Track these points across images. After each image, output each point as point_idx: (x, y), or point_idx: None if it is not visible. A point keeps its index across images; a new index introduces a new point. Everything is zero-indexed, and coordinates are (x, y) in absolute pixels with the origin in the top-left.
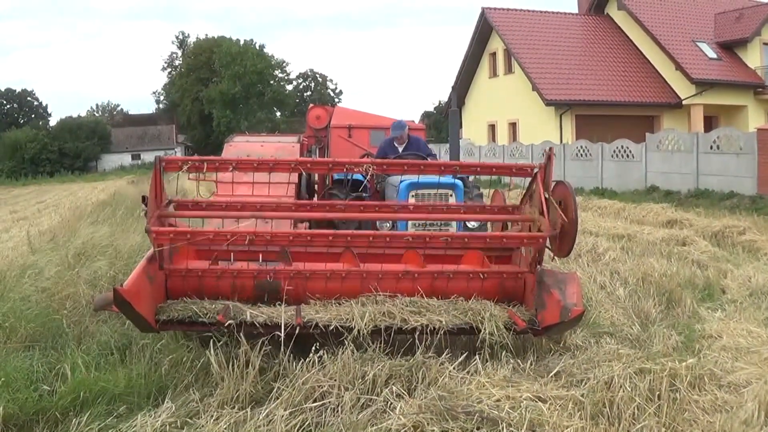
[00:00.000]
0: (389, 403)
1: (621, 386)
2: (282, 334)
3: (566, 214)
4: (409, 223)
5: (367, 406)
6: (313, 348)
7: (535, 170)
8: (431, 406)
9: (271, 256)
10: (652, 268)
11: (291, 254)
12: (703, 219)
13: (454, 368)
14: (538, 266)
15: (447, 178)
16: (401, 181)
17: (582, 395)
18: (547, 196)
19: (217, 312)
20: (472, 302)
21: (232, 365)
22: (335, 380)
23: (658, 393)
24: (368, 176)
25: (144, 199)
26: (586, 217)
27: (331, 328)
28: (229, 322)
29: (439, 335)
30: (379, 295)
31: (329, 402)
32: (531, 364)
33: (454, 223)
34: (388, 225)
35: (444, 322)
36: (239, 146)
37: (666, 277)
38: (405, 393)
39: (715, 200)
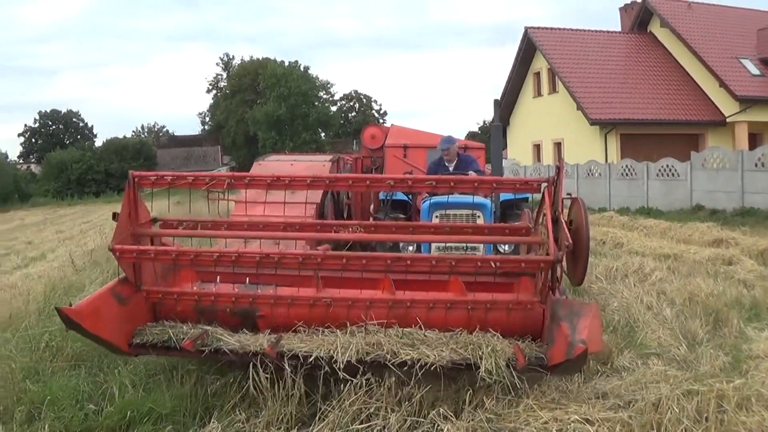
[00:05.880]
0: (436, 425)
1: (669, 408)
2: (262, 364)
3: (577, 236)
4: (433, 245)
5: (414, 428)
6: (360, 371)
7: (543, 185)
8: (478, 428)
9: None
10: (698, 288)
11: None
12: (749, 238)
13: (501, 390)
14: (554, 295)
15: (473, 198)
16: (423, 200)
17: (629, 417)
18: (555, 214)
19: (192, 337)
20: (475, 335)
21: (278, 387)
22: (382, 402)
23: (705, 415)
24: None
25: (114, 215)
26: (633, 237)
27: (310, 360)
28: (197, 349)
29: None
30: (372, 324)
31: (376, 424)
32: (578, 386)
33: (481, 246)
34: (412, 248)
35: (437, 357)
36: (268, 165)
37: (712, 296)
38: (452, 415)
39: (761, 218)
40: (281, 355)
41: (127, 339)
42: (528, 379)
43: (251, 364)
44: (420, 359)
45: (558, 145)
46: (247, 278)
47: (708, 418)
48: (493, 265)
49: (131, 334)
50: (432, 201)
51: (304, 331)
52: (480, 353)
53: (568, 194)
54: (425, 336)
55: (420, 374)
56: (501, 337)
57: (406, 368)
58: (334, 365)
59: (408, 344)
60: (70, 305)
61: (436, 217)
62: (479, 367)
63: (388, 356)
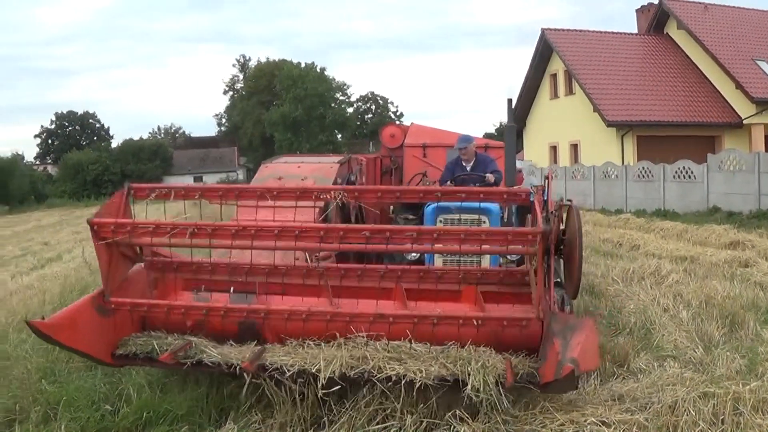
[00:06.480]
0: (452, 427)
1: (685, 410)
2: (247, 378)
3: (570, 247)
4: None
5: (430, 430)
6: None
7: (531, 196)
8: (494, 430)
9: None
10: (715, 291)
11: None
12: (766, 240)
13: (518, 392)
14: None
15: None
16: (427, 205)
17: (646, 419)
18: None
19: (174, 349)
20: (466, 350)
21: (290, 389)
22: (398, 404)
23: (722, 417)
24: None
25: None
26: (649, 239)
27: (289, 374)
28: (178, 361)
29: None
30: (360, 336)
31: (392, 425)
32: (594, 388)
33: (487, 255)
34: (414, 255)
35: (424, 373)
36: (275, 167)
37: (729, 299)
38: (468, 417)
39: None
40: (263, 369)
41: (111, 350)
42: None
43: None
44: (406, 375)
45: (575, 147)
46: (231, 288)
47: (724, 421)
48: (475, 323)
49: (116, 345)
50: (437, 204)
51: (291, 343)
52: (468, 369)
53: (568, 200)
54: (414, 350)
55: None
56: (494, 351)
57: (390, 384)
58: (317, 380)
59: (395, 358)
60: (43, 318)
61: (440, 221)
62: (467, 384)
63: (373, 371)
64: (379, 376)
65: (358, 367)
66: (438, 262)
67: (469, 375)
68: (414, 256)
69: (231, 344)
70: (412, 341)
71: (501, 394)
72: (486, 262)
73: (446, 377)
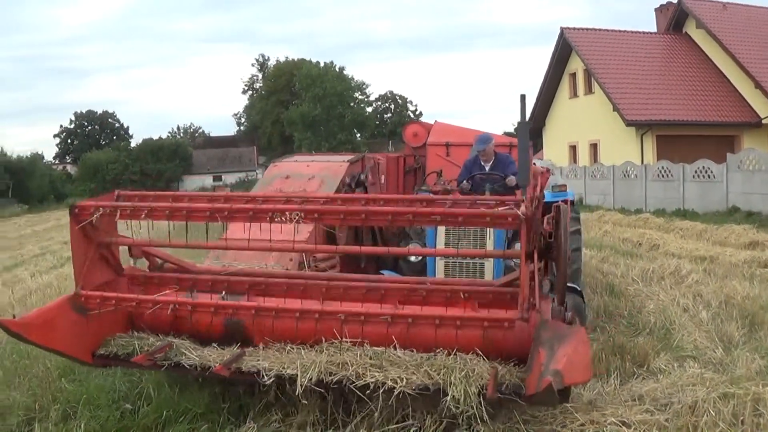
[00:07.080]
0: (472, 427)
1: (705, 411)
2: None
3: (557, 252)
4: (437, 258)
5: (449, 430)
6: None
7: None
8: (515, 430)
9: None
10: (734, 291)
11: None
12: None
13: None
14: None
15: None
16: None
17: (666, 420)
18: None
19: (154, 350)
20: (451, 358)
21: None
22: (417, 403)
23: (741, 418)
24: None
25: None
26: (669, 239)
27: (266, 379)
28: (156, 363)
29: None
30: (345, 341)
31: (411, 424)
32: (615, 389)
33: (491, 260)
34: (414, 259)
35: (405, 381)
36: (283, 167)
37: (749, 299)
38: (488, 417)
39: None
40: (240, 373)
41: (92, 350)
42: None
43: None
44: (385, 383)
45: (594, 146)
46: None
47: (744, 422)
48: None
49: (98, 345)
50: None
51: (271, 347)
52: (451, 378)
53: (564, 200)
54: (398, 357)
55: None
56: (485, 359)
57: (368, 392)
58: (294, 386)
59: (376, 365)
60: (14, 317)
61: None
62: (447, 394)
63: (352, 378)
64: (357, 383)
65: (336, 373)
66: (440, 264)
67: (450, 384)
68: (416, 258)
69: (214, 347)
70: (396, 347)
71: (482, 406)
72: (490, 265)
73: (428, 386)
